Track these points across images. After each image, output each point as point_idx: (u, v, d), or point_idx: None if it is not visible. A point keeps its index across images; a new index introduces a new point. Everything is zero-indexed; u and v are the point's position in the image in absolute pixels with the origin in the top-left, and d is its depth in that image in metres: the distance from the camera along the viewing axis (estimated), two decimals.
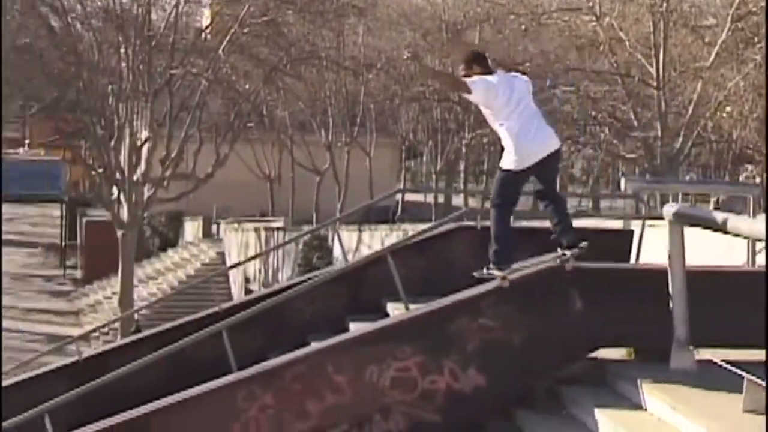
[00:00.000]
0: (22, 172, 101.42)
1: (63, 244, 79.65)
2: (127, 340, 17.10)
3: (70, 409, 11.88)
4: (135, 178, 47.55)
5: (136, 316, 44.49)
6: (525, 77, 12.50)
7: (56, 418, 11.46)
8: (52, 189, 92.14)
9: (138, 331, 30.63)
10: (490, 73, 12.03)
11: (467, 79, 11.93)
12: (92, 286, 66.34)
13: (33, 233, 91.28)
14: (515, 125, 11.73)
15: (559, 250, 11.98)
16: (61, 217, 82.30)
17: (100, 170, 49.70)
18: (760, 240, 12.38)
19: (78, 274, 72.61)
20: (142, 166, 47.94)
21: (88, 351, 15.64)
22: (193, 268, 61.86)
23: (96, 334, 41.23)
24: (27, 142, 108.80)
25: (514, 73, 12.58)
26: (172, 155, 47.93)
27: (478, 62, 12.14)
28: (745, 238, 13.06)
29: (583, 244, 11.78)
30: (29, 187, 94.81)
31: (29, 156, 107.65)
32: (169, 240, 72.20)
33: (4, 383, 14.72)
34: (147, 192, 47.71)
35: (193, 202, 56.48)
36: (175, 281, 59.91)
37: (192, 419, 11.42)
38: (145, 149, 48.62)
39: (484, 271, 12.08)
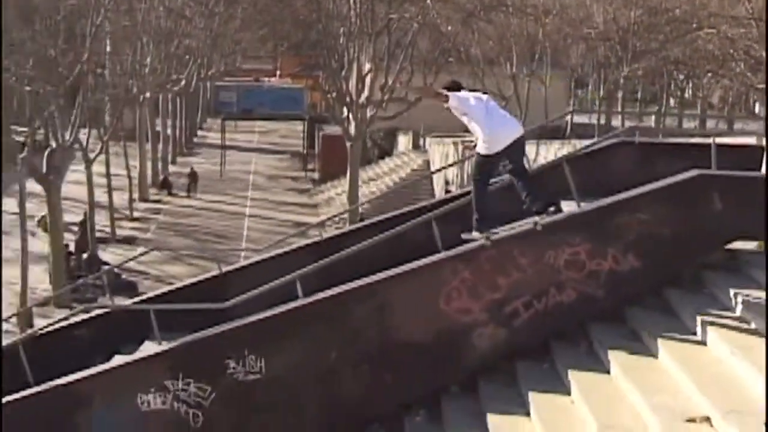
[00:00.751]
0: (274, 96, 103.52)
1: (304, 152, 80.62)
2: (354, 226, 17.17)
3: (314, 277, 12.01)
4: (360, 101, 47.78)
5: (360, 209, 44.94)
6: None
7: (305, 283, 11.63)
8: (297, 109, 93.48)
9: (362, 220, 30.89)
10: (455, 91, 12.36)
11: (444, 90, 12.33)
12: (326, 185, 67.13)
13: (282, 143, 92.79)
14: (486, 123, 11.90)
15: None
16: (303, 131, 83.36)
17: (334, 94, 50.03)
18: None
19: (316, 175, 73.49)
20: (366, 92, 48.11)
21: (325, 234, 15.74)
22: (404, 172, 62.13)
23: (329, 222, 41.71)
24: (278, 73, 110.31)
25: (481, 93, 12.65)
26: (390, 83, 47.97)
27: (454, 87, 12.44)
28: None
29: (551, 208, 11.77)
30: (279, 108, 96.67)
31: (279, 83, 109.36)
32: (386, 150, 72.54)
33: (264, 255, 14.96)
34: (369, 112, 47.90)
35: (405, 120, 56.26)
36: (390, 182, 60.28)
37: (409, 287, 11.51)
38: (368, 78, 48.79)
39: (471, 234, 12.11)
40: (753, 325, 10.18)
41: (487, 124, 11.90)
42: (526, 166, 12.70)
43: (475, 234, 11.97)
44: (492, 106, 12.12)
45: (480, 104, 12.07)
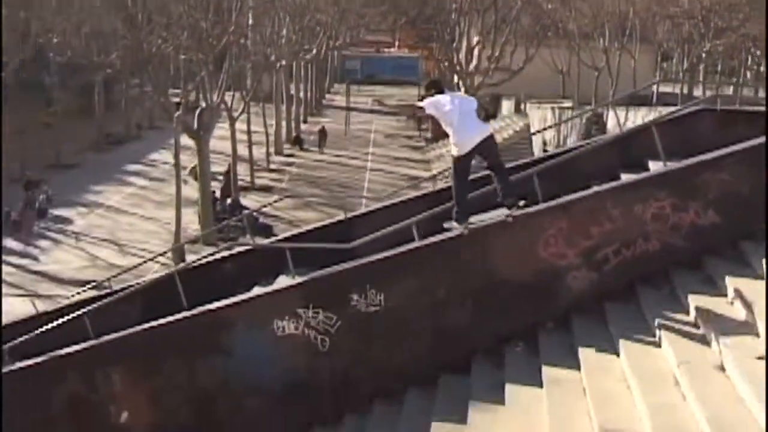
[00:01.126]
0: (392, 64, 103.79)
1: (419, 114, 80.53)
2: None
3: (427, 222, 12.06)
4: (469, 69, 47.52)
5: None
6: (472, 98, 12.44)
7: (420, 226, 11.66)
8: (412, 76, 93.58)
9: None
10: (442, 92, 12.12)
11: (420, 103, 12.23)
12: (437, 143, 66.80)
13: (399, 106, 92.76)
14: (456, 127, 11.67)
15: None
16: (418, 94, 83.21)
17: (446, 63, 49.88)
18: None
19: (428, 135, 73.26)
20: (475, 61, 47.87)
21: (436, 186, 15.72)
22: (507, 133, 61.49)
23: (440, 176, 41.66)
24: (397, 44, 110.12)
25: (460, 94, 12.72)
26: (496, 54, 47.61)
27: (434, 87, 12.30)
28: None
29: (522, 202, 11.57)
30: (397, 74, 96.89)
31: (398, 53, 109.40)
32: (491, 113, 71.85)
33: (382, 203, 14.98)
34: (477, 79, 47.64)
35: (508, 87, 55.71)
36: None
37: (511, 234, 11.46)
38: (476, 50, 48.49)
39: (451, 224, 11.99)
40: None
41: (456, 129, 11.70)
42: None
43: (454, 224, 11.83)
44: (465, 111, 11.79)
45: (453, 110, 11.77)
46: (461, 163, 11.83)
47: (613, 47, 62.14)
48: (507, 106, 70.29)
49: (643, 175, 12.06)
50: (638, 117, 43.20)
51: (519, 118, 64.86)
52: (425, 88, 12.58)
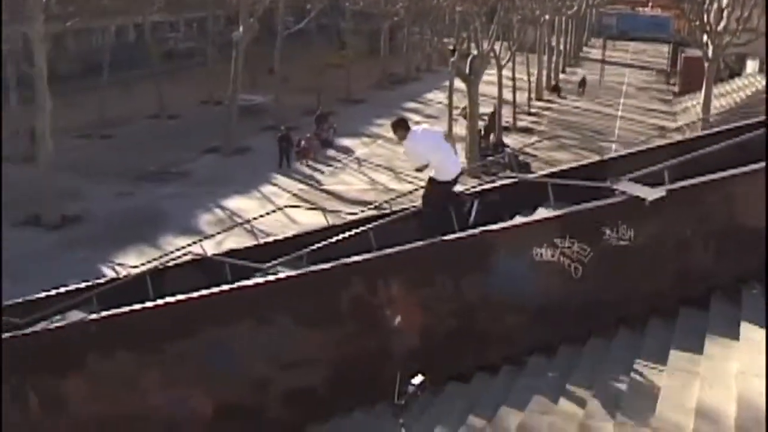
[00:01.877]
0: (646, 22, 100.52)
1: (668, 69, 77.73)
2: (707, 132, 16.26)
3: (673, 170, 11.41)
4: (718, 29, 45.16)
5: (711, 118, 42.82)
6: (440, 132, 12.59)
7: (671, 173, 11.24)
8: (664, 34, 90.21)
9: (712, 127, 29.36)
10: (408, 129, 12.24)
11: (413, 160, 12.58)
12: (684, 97, 64.32)
13: (650, 61, 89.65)
14: (434, 164, 12.18)
15: None
16: (668, 52, 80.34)
17: (696, 23, 47.44)
18: None
19: (676, 89, 70.50)
20: (724, 22, 45.40)
21: (684, 137, 15.09)
22: (749, 91, 58.33)
23: (684, 128, 40.08)
24: (650, 3, 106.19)
25: (423, 126, 12.64)
26: (744, 16, 45.02)
27: (401, 127, 12.25)
28: None
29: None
30: (649, 32, 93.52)
31: (651, 12, 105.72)
32: (735, 71, 68.29)
33: (632, 149, 14.51)
34: (725, 39, 45.23)
35: (754, 47, 52.47)
36: (738, 99, 56.88)
37: (754, 182, 10.71)
38: (726, 11, 46.02)
39: None
40: None
41: (435, 164, 12.20)
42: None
43: None
44: (443, 148, 12.27)
45: (428, 143, 12.14)
46: (437, 192, 12.30)
47: None
48: (751, 65, 66.64)
49: None
50: None
51: (762, 78, 61.32)
52: (392, 128, 12.46)
